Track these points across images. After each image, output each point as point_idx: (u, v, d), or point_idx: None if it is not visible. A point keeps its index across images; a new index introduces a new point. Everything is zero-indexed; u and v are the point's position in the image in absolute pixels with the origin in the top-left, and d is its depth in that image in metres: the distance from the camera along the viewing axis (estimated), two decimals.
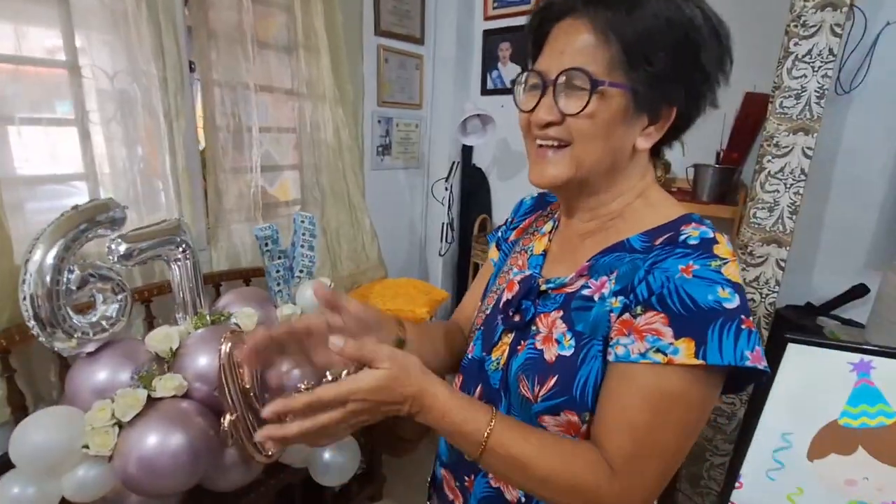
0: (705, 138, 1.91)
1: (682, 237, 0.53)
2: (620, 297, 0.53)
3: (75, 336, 1.01)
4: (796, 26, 1.37)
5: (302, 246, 1.47)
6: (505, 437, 0.51)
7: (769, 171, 1.45)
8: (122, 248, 1.10)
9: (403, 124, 2.44)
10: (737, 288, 0.49)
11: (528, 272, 0.65)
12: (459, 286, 2.72)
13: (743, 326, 0.48)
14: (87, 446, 0.96)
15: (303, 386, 1.25)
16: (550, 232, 0.69)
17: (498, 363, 0.62)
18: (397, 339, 0.64)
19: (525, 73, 0.58)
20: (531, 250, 0.69)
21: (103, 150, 1.40)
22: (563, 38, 0.54)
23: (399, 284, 2.08)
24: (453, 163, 2.43)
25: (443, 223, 2.49)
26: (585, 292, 0.56)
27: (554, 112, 0.54)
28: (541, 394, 0.55)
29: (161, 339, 1.13)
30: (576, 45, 0.53)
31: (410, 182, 2.60)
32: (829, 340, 1.03)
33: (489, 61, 2.51)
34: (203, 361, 1.14)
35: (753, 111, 1.83)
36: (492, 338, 0.65)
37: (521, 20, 2.32)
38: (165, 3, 1.39)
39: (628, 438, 0.50)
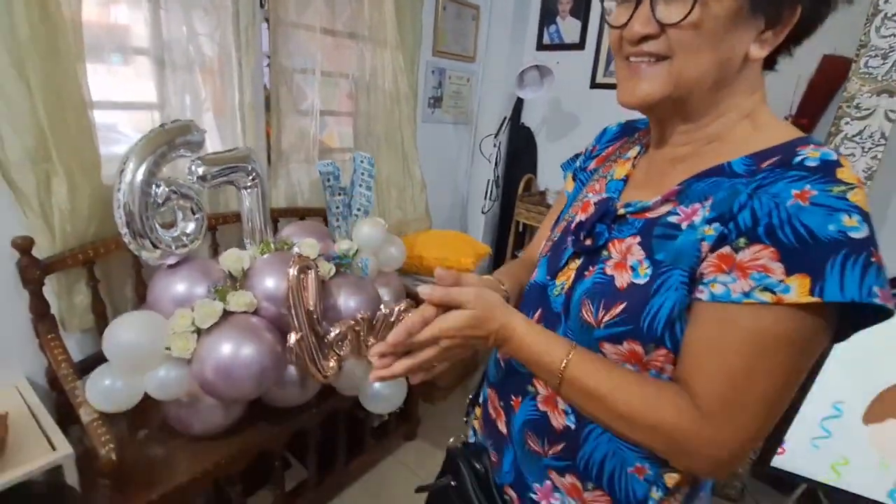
0: (774, 102, 1.82)
1: (798, 158, 0.45)
2: (716, 225, 0.46)
3: (160, 247, 1.09)
4: None
5: (360, 185, 1.51)
6: (582, 369, 0.51)
7: (846, 134, 1.39)
8: (201, 169, 1.16)
9: (456, 77, 2.41)
10: (865, 217, 0.42)
11: (605, 195, 0.61)
12: (499, 245, 2.74)
13: (873, 259, 0.41)
14: (169, 348, 1.05)
15: (359, 315, 1.30)
16: (635, 157, 0.63)
17: (562, 288, 0.58)
18: (504, 297, 0.65)
19: None
20: (611, 175, 0.64)
21: (176, 81, 1.45)
22: None
23: (444, 235, 2.11)
24: (504, 118, 2.41)
25: (488, 180, 2.48)
26: (672, 219, 0.51)
27: (651, 24, 0.48)
28: (604, 319, 0.51)
29: (234, 259, 1.20)
30: None
31: (458, 137, 2.59)
32: None
33: (547, 15, 2.44)
34: (270, 283, 1.20)
35: (831, 75, 1.73)
36: (558, 262, 0.61)
37: None
38: None
39: (725, 383, 0.45)
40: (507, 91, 2.43)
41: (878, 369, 1.06)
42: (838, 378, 1.13)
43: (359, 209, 1.51)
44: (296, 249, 1.33)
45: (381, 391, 1.40)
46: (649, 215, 0.53)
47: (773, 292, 0.42)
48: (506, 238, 2.65)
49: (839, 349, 1.08)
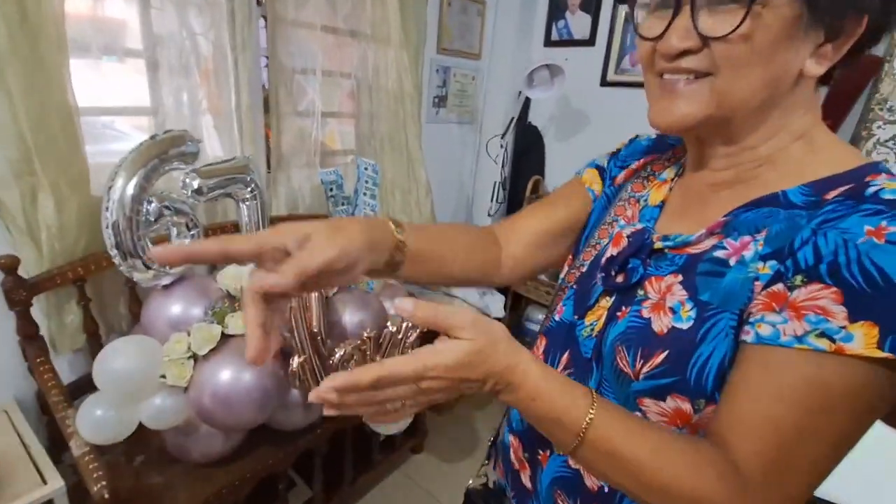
0: None
1: (871, 190, 0.39)
2: (771, 263, 0.41)
3: (153, 268, 1.02)
4: None
5: (364, 193, 1.43)
6: (611, 430, 0.42)
7: (878, 139, 1.32)
8: (196, 182, 1.08)
9: (461, 75, 2.33)
10: None
11: (639, 226, 0.54)
12: None
13: None
14: (164, 376, 0.98)
15: (366, 334, 1.24)
16: (673, 179, 0.56)
17: (592, 329, 0.52)
18: (396, 243, 0.50)
19: None
20: (645, 200, 0.57)
21: (170, 83, 1.37)
22: None
23: None
24: (511, 118, 2.32)
25: (495, 182, 2.41)
26: (718, 254, 0.45)
27: (692, 36, 0.42)
28: (643, 370, 0.45)
29: (232, 277, 1.13)
30: None
31: (463, 137, 2.51)
32: None
33: (556, 10, 2.35)
34: None
35: (856, 75, 1.66)
36: (587, 300, 0.55)
37: None
38: None
39: (771, 443, 0.39)
40: (513, 89, 2.34)
41: None
42: None
43: None
44: None
45: None
46: (692, 250, 0.47)
47: (832, 340, 0.36)
48: None
49: None
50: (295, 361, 1.09)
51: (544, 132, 2.54)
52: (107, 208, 0.93)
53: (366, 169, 1.42)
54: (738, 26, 0.39)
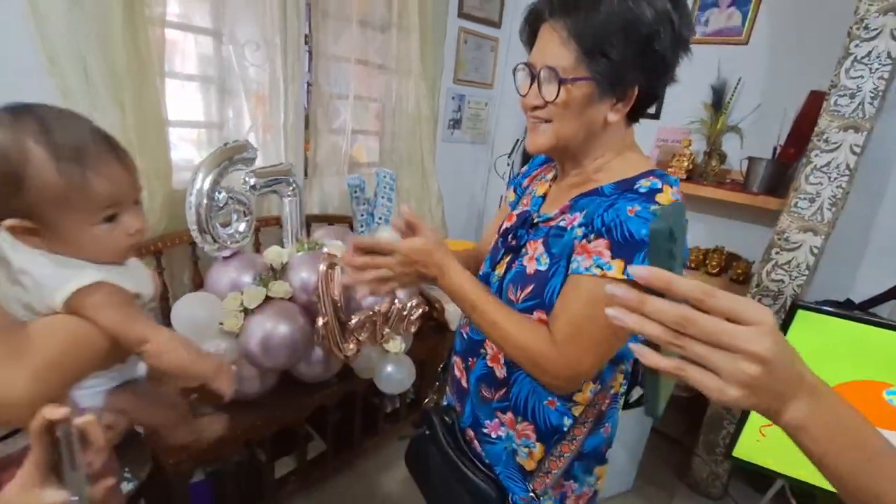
0: (765, 133, 1.99)
1: (636, 186, 0.67)
2: (583, 228, 0.68)
3: (218, 242, 1.34)
4: (858, 28, 1.45)
5: (382, 197, 1.74)
6: (490, 306, 0.70)
7: (815, 165, 1.55)
8: (253, 180, 1.41)
9: (475, 102, 2.65)
10: None
11: (527, 209, 0.83)
12: None
13: None
14: (222, 324, 1.29)
15: (377, 307, 1.53)
16: (552, 179, 0.85)
17: (498, 276, 0.80)
18: None
19: (520, 65, 0.72)
20: (535, 192, 0.86)
21: (233, 104, 1.72)
22: (543, 39, 0.68)
23: (459, 245, 2.33)
24: (516, 140, 2.62)
25: (501, 195, 2.70)
26: (561, 223, 0.72)
27: (538, 98, 0.68)
28: (520, 297, 0.73)
29: (275, 254, 1.44)
30: (549, 47, 0.66)
31: (475, 156, 2.82)
32: (835, 309, 1.17)
33: None
34: (304, 276, 1.44)
35: (815, 109, 1.89)
36: (496, 258, 0.82)
37: None
38: None
39: (569, 324, 0.66)
40: (521, 115, 2.64)
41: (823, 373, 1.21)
42: None
43: (380, 218, 1.75)
44: (325, 249, 1.56)
45: (392, 373, 1.61)
46: (551, 223, 0.75)
47: (602, 268, 0.63)
48: None
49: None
50: (319, 321, 1.38)
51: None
52: (190, 195, 1.26)
53: (384, 177, 1.73)
54: (555, 97, 0.66)
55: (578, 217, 0.71)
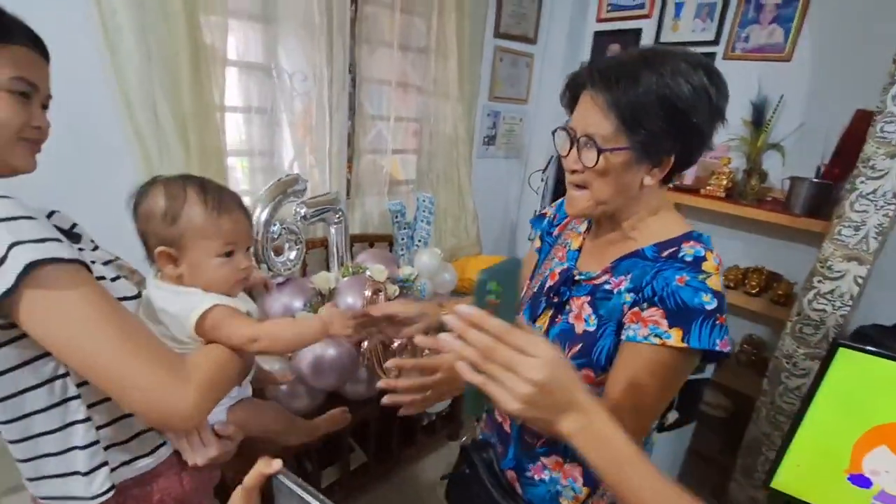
0: (808, 152, 1.96)
1: (681, 254, 0.70)
2: (632, 294, 0.71)
3: (273, 270, 1.44)
4: None
5: (422, 221, 1.81)
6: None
7: (861, 192, 1.52)
8: (303, 210, 1.51)
9: (509, 117, 2.69)
10: (716, 294, 0.66)
11: (566, 265, 0.85)
12: None
13: (717, 322, 0.65)
14: None
15: (405, 340, 1.60)
16: (585, 231, 0.87)
17: (541, 329, 0.81)
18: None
19: (559, 128, 0.74)
20: (569, 245, 0.87)
21: (281, 133, 1.83)
22: (583, 107, 0.70)
23: (492, 260, 2.38)
24: (550, 157, 2.65)
25: (535, 210, 2.73)
26: (607, 287, 0.75)
27: (578, 163, 0.70)
28: (569, 355, 0.75)
29: (323, 280, 1.54)
30: (589, 116, 0.68)
31: (509, 171, 2.86)
32: (880, 349, 1.16)
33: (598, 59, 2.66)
34: (350, 300, 1.53)
35: (862, 128, 1.84)
36: (537, 310, 0.84)
37: (632, 24, 2.44)
38: (340, 18, 1.76)
39: (632, 392, 0.67)
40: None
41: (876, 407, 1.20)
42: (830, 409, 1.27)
43: (419, 240, 1.82)
44: (368, 273, 1.65)
45: None
46: (594, 282, 0.78)
47: (661, 337, 0.67)
48: None
49: (829, 384, 1.24)
50: (364, 345, 1.47)
51: None
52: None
53: (424, 201, 1.80)
54: (595, 164, 0.69)
55: (625, 281, 0.74)
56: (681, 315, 0.66)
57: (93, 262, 0.64)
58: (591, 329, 0.76)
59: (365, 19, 1.91)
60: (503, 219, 2.95)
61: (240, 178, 1.85)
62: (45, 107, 0.67)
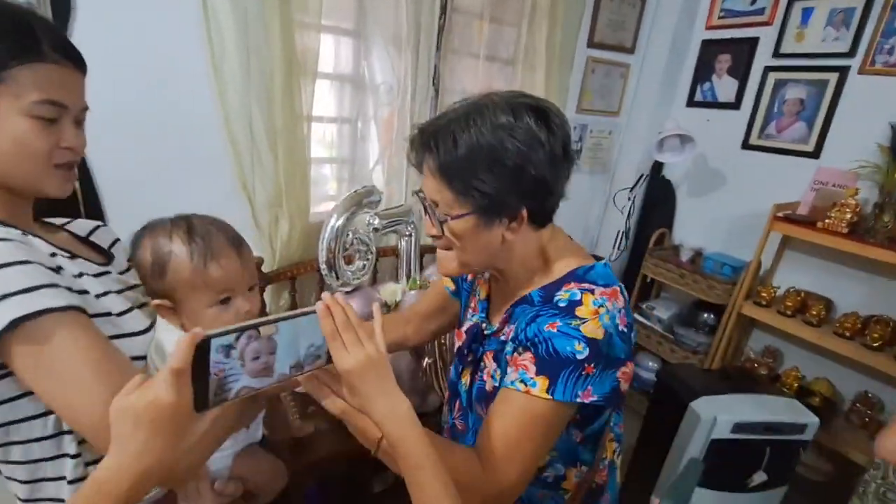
0: (863, 142, 1.64)
1: (556, 299, 0.68)
2: (512, 343, 0.70)
3: (342, 279, 1.48)
4: None
5: None
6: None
7: None
8: (377, 221, 1.53)
9: (598, 131, 2.55)
10: (589, 342, 0.62)
11: (475, 318, 0.84)
12: None
13: (584, 373, 0.62)
14: None
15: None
16: (488, 280, 0.85)
17: (465, 385, 0.83)
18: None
19: (416, 192, 0.73)
20: (479, 294, 0.87)
21: (363, 143, 1.87)
22: (425, 171, 0.67)
23: None
24: (641, 175, 2.47)
25: (618, 231, 2.56)
26: (502, 338, 0.74)
27: (433, 228, 0.69)
28: (488, 411, 0.71)
29: (391, 292, 1.55)
30: (427, 182, 0.67)
31: (593, 186, 2.71)
32: None
33: (703, 72, 2.43)
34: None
35: None
36: (460, 366, 0.86)
37: (748, 31, 2.20)
38: (427, 29, 1.77)
39: (498, 439, 0.64)
40: (648, 145, 2.47)
41: None
42: None
43: None
44: (378, 294, 1.63)
45: None
46: (497, 335, 0.77)
47: (526, 384, 0.64)
48: (630, 289, 2.69)
49: None
50: (425, 361, 1.46)
51: (677, 186, 2.61)
52: (323, 238, 1.41)
53: None
54: (441, 234, 0.68)
55: (512, 331, 0.72)
56: (551, 363, 0.63)
57: (105, 292, 0.63)
58: (497, 384, 0.73)
59: (452, 29, 1.90)
60: (582, 238, 2.81)
61: (330, 186, 1.93)
62: (79, 122, 0.63)
